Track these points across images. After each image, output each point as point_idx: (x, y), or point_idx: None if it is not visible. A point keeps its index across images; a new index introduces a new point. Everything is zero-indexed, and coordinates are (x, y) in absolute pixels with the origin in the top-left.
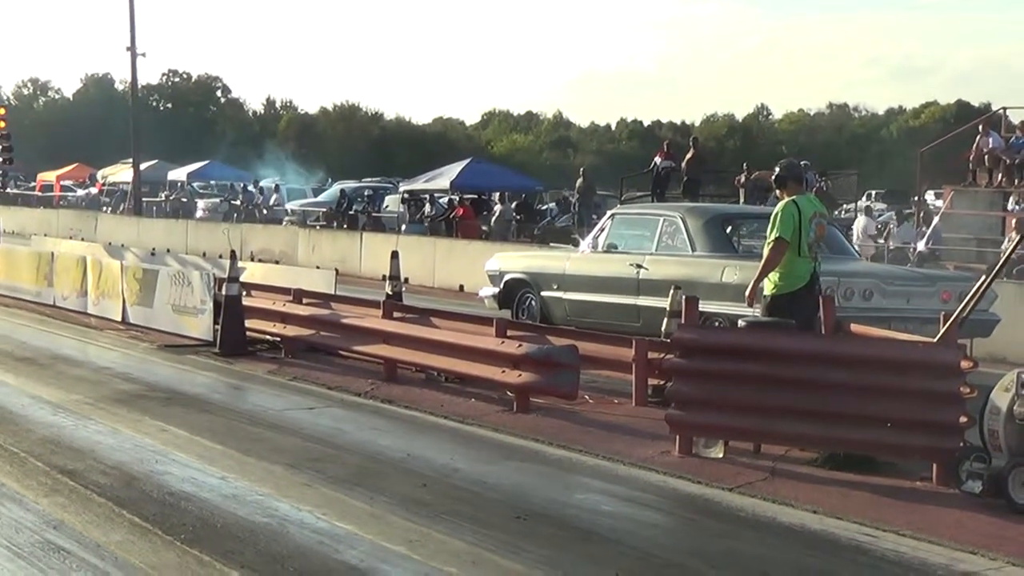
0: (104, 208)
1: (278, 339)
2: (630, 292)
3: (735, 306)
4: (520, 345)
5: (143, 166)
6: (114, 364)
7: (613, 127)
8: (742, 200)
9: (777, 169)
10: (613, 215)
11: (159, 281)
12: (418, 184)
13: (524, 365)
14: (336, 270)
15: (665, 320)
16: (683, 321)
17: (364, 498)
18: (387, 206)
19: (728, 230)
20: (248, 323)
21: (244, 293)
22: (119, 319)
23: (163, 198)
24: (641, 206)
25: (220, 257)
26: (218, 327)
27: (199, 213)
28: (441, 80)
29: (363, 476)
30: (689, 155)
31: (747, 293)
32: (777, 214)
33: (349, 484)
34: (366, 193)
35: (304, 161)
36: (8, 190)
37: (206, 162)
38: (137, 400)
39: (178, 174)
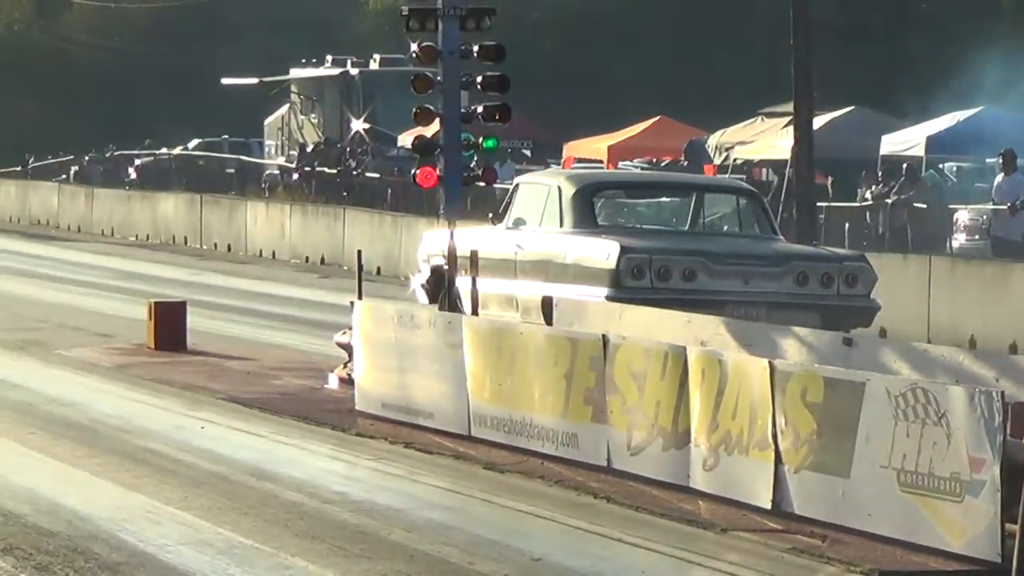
0: None
1: None
2: (509, 276)
3: (576, 287)
4: None
5: None
6: None
7: None
8: None
9: None
10: (517, 184)
11: (865, 410)
12: None
13: None
14: None
15: None
16: None
17: None
18: None
19: (599, 202)
20: None
21: None
22: (767, 504)
23: None
24: (541, 173)
25: None
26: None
27: None
28: None
29: None
30: None
31: None
32: None
33: None
34: None
35: None
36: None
37: None
38: None
39: None
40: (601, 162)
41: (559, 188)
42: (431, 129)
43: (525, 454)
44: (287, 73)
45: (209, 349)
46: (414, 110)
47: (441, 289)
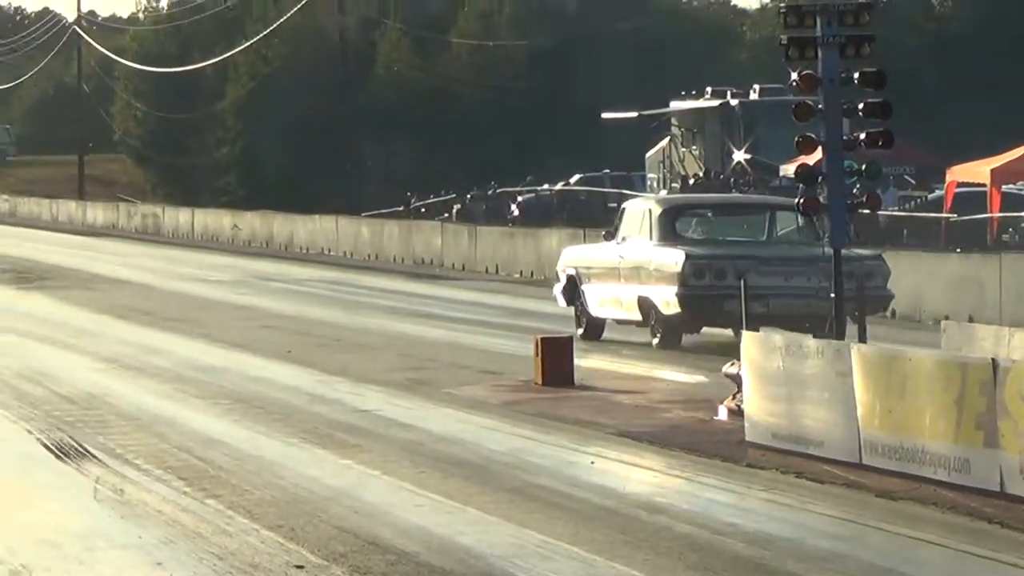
0: None
1: None
2: (616, 280)
3: (659, 287)
4: None
5: None
6: None
7: None
8: None
9: None
10: (623, 207)
11: None
12: None
13: None
14: None
15: None
16: None
17: None
18: None
19: (681, 220)
20: None
21: None
22: None
23: None
24: (641, 197)
25: None
26: None
27: None
28: None
29: None
30: None
31: None
32: None
33: None
34: None
35: None
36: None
37: None
38: None
39: None
40: (984, 185)
41: (650, 210)
42: (814, 157)
43: (916, 481)
44: (666, 106)
45: (596, 384)
46: (796, 139)
47: (576, 294)
